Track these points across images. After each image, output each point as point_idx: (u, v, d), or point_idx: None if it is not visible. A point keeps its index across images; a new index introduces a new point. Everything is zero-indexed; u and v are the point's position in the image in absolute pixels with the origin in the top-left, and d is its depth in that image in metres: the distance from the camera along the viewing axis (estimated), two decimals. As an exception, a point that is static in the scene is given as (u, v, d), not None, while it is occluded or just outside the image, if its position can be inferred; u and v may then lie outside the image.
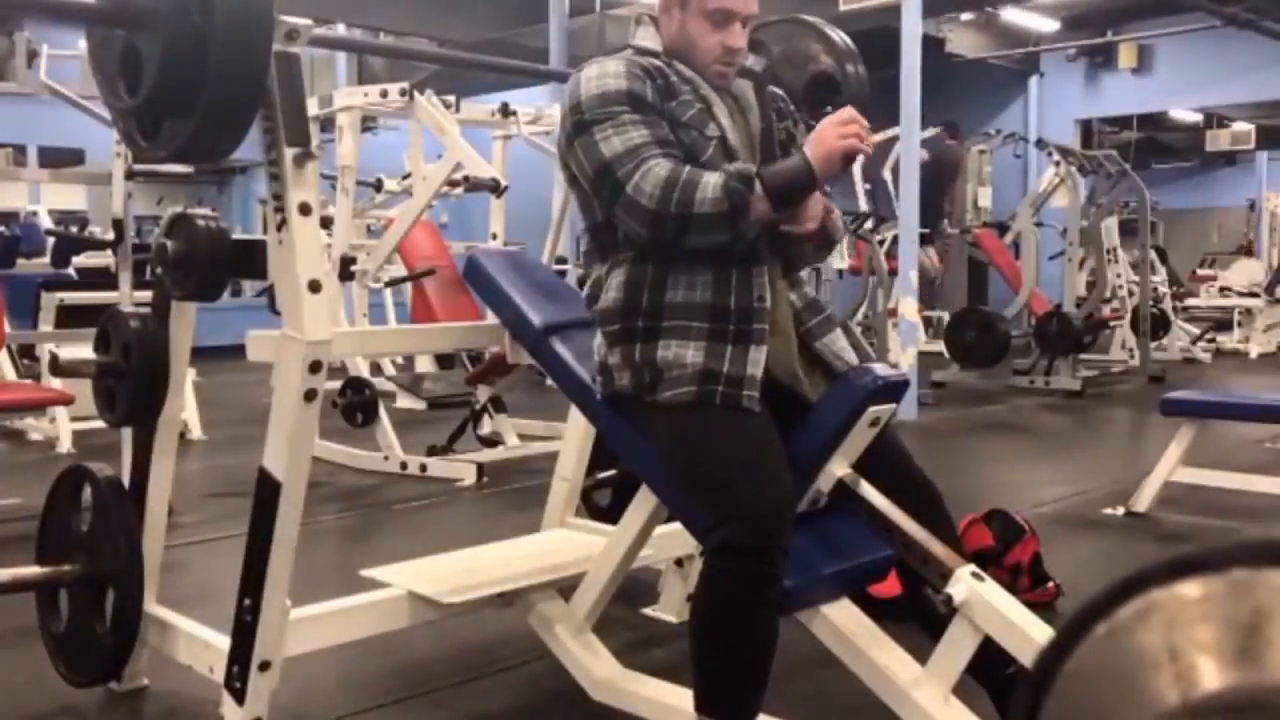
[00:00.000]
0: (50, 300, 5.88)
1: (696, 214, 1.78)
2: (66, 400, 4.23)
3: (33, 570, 2.36)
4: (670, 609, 2.83)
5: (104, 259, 6.03)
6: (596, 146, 1.86)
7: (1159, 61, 13.25)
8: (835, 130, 1.80)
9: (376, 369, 7.09)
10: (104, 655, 2.29)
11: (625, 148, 1.84)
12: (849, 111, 1.82)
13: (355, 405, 4.93)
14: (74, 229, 8.77)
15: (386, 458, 4.88)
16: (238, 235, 2.18)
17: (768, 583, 1.77)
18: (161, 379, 2.25)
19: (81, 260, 7.25)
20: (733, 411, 1.85)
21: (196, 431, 5.69)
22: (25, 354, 6.54)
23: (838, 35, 2.59)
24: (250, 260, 2.05)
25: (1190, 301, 11.47)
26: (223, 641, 2.06)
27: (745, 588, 1.77)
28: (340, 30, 10.34)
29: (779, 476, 1.82)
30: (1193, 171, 17.77)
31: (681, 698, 2.05)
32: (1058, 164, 8.30)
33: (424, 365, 7.43)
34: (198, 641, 2.19)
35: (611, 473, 3.10)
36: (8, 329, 4.88)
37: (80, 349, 3.72)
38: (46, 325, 5.88)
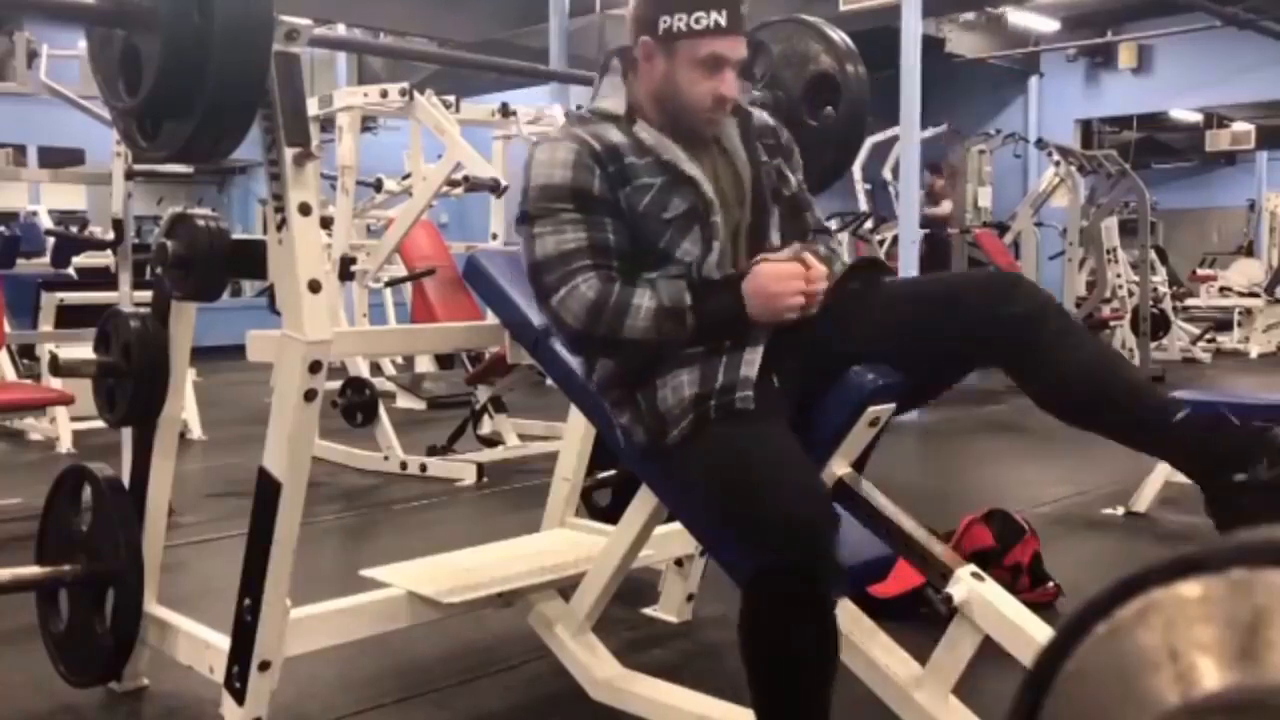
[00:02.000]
0: (50, 300, 5.87)
1: (625, 338, 1.78)
2: (66, 400, 4.23)
3: (33, 570, 2.36)
4: (670, 609, 2.82)
5: (104, 259, 6.03)
6: (533, 242, 1.83)
7: (1159, 61, 13.26)
8: (779, 285, 1.74)
9: (376, 369, 7.09)
10: (104, 655, 2.29)
11: (557, 252, 1.80)
12: (792, 268, 1.76)
13: (355, 405, 4.94)
14: (74, 229, 8.77)
15: (386, 458, 4.88)
16: (238, 235, 2.19)
17: (815, 602, 1.65)
18: (161, 379, 2.25)
19: (81, 260, 7.25)
20: (731, 421, 1.76)
21: (196, 431, 5.69)
22: (25, 354, 6.54)
23: (838, 35, 2.59)
24: (250, 260, 2.05)
25: (1190, 301, 11.45)
26: (223, 641, 2.06)
27: (793, 614, 1.64)
28: (340, 30, 10.34)
29: (800, 481, 1.68)
30: (1193, 171, 17.76)
31: (682, 698, 2.05)
32: (1058, 164, 8.31)
33: (424, 365, 7.44)
34: (198, 641, 2.19)
35: (611, 473, 3.10)
36: (8, 329, 4.88)
37: (80, 349, 3.72)
38: (46, 325, 5.87)
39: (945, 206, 9.87)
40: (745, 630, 1.70)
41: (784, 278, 1.75)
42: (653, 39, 1.82)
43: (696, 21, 1.78)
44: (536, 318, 2.29)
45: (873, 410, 1.86)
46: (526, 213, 1.85)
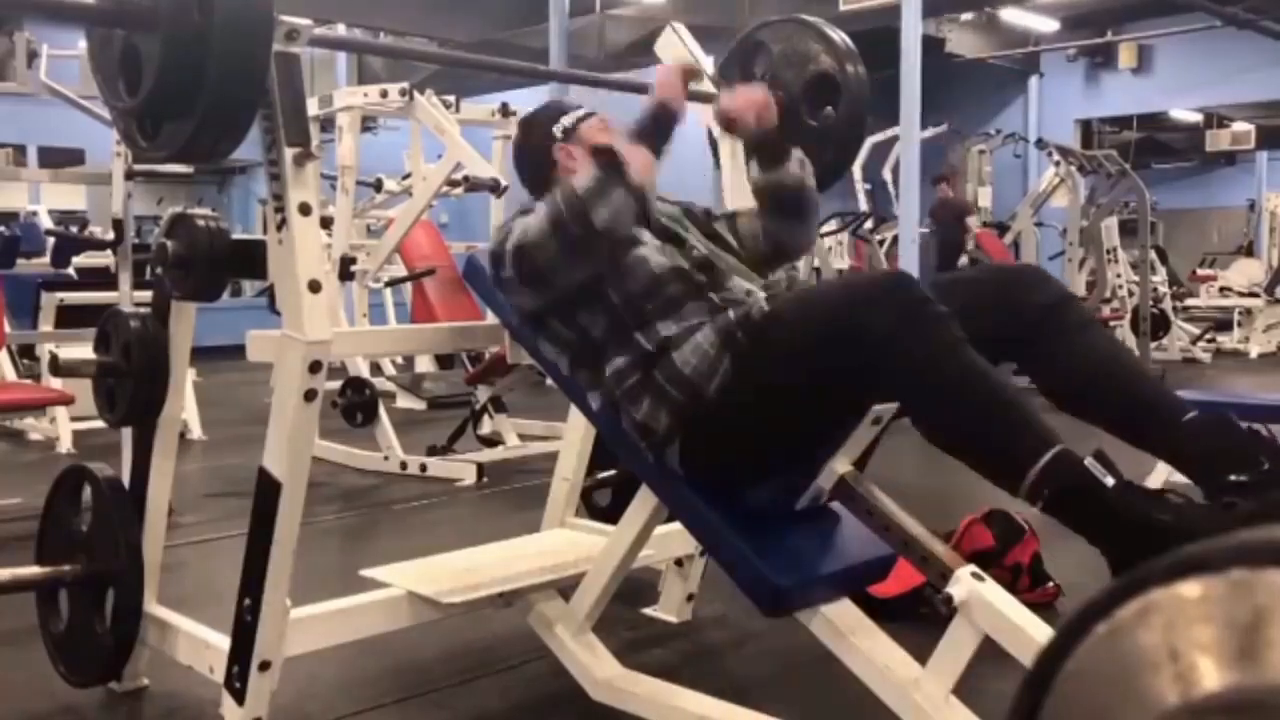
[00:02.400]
0: (50, 300, 5.87)
1: (585, 198, 1.84)
2: (66, 400, 4.23)
3: (33, 570, 2.36)
4: (670, 609, 2.82)
5: (104, 259, 6.03)
6: (520, 251, 1.93)
7: (1159, 61, 13.27)
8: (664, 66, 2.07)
9: (376, 369, 7.09)
10: (104, 655, 2.29)
11: (539, 224, 1.92)
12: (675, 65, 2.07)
13: (355, 405, 4.93)
14: (74, 229, 8.77)
15: (386, 458, 4.88)
16: (238, 235, 2.19)
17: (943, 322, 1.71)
18: (161, 379, 2.25)
19: (81, 260, 7.25)
20: (764, 330, 1.82)
21: (196, 431, 5.69)
22: (25, 354, 6.54)
23: (838, 35, 2.59)
24: (250, 260, 2.05)
25: (1190, 301, 11.46)
26: (223, 641, 2.06)
27: (939, 334, 1.70)
28: (340, 30, 10.34)
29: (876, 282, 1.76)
30: (1193, 171, 17.77)
31: (682, 698, 2.05)
32: (1058, 164, 8.31)
33: (424, 365, 7.44)
34: (198, 641, 2.19)
35: (611, 473, 3.10)
36: (8, 329, 4.88)
37: (80, 349, 3.72)
38: (46, 325, 5.87)
39: (974, 226, 9.29)
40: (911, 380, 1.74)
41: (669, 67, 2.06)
42: (562, 142, 2.18)
43: (573, 114, 2.23)
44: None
45: (876, 409, 1.86)
46: (521, 249, 1.93)
